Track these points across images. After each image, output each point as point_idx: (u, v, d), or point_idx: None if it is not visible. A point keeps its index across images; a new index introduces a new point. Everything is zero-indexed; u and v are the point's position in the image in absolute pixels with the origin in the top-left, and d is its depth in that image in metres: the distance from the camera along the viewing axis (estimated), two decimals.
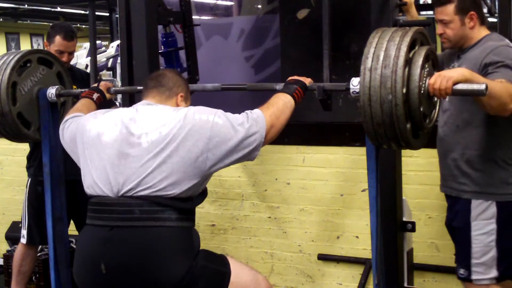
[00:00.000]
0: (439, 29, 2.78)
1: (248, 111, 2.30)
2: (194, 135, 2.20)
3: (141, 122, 2.25)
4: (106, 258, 2.16)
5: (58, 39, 3.52)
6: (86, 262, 2.23)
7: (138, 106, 2.37)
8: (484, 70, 2.57)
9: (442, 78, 2.17)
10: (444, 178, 2.86)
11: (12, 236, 4.47)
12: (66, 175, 3.11)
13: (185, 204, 2.25)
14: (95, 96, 2.83)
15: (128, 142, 2.22)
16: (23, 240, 3.72)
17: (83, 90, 2.93)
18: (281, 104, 2.36)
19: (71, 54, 3.58)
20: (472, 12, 2.72)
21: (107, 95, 2.91)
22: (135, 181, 2.19)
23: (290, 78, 2.51)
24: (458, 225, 2.78)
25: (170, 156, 2.18)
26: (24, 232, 3.71)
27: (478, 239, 2.68)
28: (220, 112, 2.28)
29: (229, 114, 2.28)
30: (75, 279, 2.34)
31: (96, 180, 2.26)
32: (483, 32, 2.76)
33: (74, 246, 4.03)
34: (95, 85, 2.93)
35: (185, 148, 2.19)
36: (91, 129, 2.32)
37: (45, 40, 3.67)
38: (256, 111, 2.31)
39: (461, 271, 2.76)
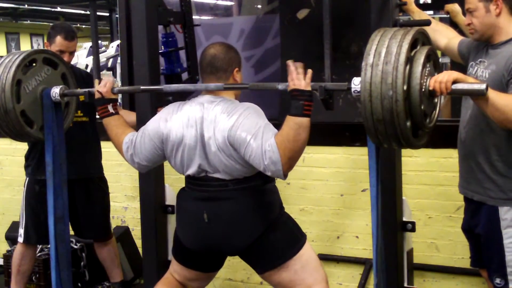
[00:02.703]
0: (466, 19, 2.68)
1: (269, 151, 2.43)
2: (237, 146, 2.51)
3: (207, 124, 2.57)
4: (207, 211, 2.63)
5: (58, 39, 3.52)
6: (191, 216, 2.70)
7: (204, 103, 2.62)
8: (509, 76, 2.48)
9: (444, 73, 2.18)
10: (466, 180, 2.76)
11: (12, 236, 4.47)
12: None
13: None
14: (110, 108, 2.82)
15: (203, 144, 2.58)
16: (20, 239, 3.73)
17: (85, 90, 2.91)
18: (292, 135, 2.41)
19: (71, 54, 3.58)
20: None
21: (113, 96, 2.85)
22: (221, 171, 2.59)
23: (291, 87, 2.42)
24: (485, 232, 2.69)
25: (232, 156, 2.54)
26: (21, 231, 3.72)
27: (511, 247, 2.60)
28: (260, 132, 2.46)
29: (265, 137, 2.45)
30: (179, 237, 2.77)
31: (191, 167, 2.64)
32: None
33: (75, 246, 4.08)
34: (98, 95, 2.83)
35: (237, 153, 2.53)
36: (171, 132, 2.64)
37: (45, 40, 3.67)
38: (275, 156, 2.43)
39: (497, 280, 2.66)
